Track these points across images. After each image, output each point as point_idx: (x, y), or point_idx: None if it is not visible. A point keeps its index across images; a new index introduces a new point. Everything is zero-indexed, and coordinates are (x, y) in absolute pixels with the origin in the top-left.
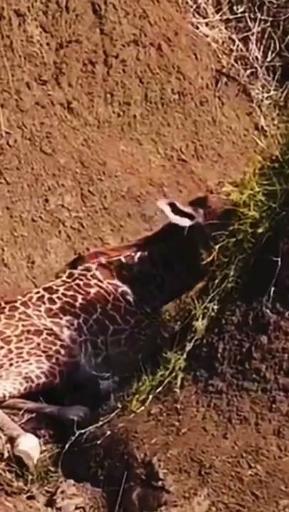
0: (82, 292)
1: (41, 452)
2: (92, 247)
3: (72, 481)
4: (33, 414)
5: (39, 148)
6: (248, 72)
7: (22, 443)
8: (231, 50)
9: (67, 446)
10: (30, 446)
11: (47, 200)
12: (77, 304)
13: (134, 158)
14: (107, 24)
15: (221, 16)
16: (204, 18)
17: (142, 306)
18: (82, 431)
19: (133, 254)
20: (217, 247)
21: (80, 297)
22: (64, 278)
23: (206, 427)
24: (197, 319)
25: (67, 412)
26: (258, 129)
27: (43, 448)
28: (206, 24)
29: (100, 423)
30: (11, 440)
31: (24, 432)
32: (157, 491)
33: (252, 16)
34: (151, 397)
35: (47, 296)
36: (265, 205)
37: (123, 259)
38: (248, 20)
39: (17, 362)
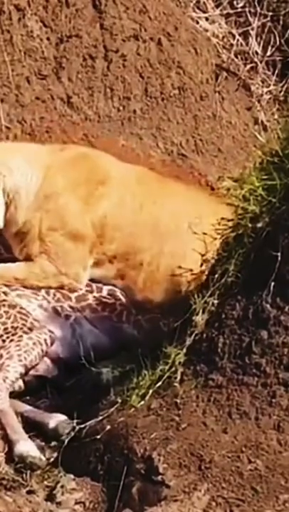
0: None
1: (42, 452)
2: None
3: (72, 476)
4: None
5: (39, 142)
6: (248, 66)
7: (18, 448)
8: (231, 45)
9: (66, 440)
10: (27, 451)
11: None
12: None
13: (134, 153)
14: (107, 19)
15: (221, 10)
16: (204, 12)
17: None
18: (82, 425)
19: None
20: (218, 241)
21: None
22: None
23: (205, 421)
24: (197, 314)
25: (48, 419)
26: (257, 123)
27: (44, 447)
28: (206, 19)
29: (100, 418)
30: (10, 443)
31: (25, 437)
32: (157, 486)
33: (252, 11)
34: (151, 391)
35: None
36: (265, 200)
37: None
38: (248, 14)
39: (8, 337)
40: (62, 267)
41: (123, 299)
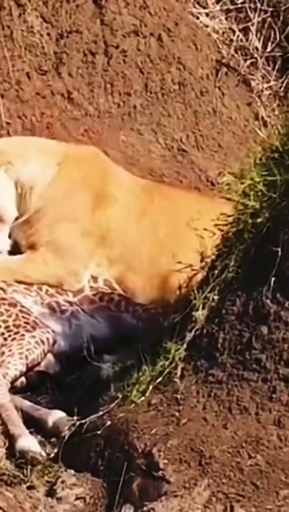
0: None
1: (42, 448)
2: None
3: (72, 471)
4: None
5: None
6: (248, 62)
7: (19, 443)
8: (231, 41)
9: (67, 436)
10: (28, 446)
11: None
12: None
13: (135, 149)
14: (108, 14)
15: (221, 6)
16: (204, 8)
17: None
18: (83, 421)
19: None
20: (218, 236)
21: None
22: None
23: (206, 417)
24: (197, 309)
25: (47, 416)
26: (258, 119)
27: (44, 443)
28: (207, 14)
29: (100, 413)
30: (12, 438)
31: (26, 432)
32: (157, 481)
33: (252, 6)
34: (151, 387)
35: None
36: (265, 196)
37: None
38: (248, 10)
39: (9, 335)
40: (66, 260)
41: (120, 289)
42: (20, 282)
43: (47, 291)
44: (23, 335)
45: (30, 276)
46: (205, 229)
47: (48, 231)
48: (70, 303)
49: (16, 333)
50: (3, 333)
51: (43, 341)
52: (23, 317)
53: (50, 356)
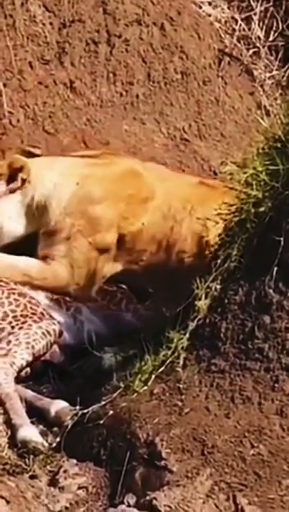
0: None
1: (45, 438)
2: None
3: (74, 461)
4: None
5: (42, 128)
6: (251, 51)
7: (20, 433)
8: (234, 30)
9: (69, 425)
10: (29, 436)
11: None
12: None
13: (137, 138)
14: (110, 4)
15: None
16: None
17: None
18: (85, 410)
19: None
20: (221, 226)
21: None
22: None
23: (208, 406)
24: (200, 299)
25: (49, 405)
26: (260, 108)
27: (47, 432)
28: (209, 3)
29: (103, 403)
30: (13, 428)
31: (27, 422)
32: (160, 471)
33: None
34: (153, 376)
35: None
36: (267, 185)
37: None
38: None
39: (17, 324)
40: (77, 276)
41: (124, 285)
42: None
43: None
44: (30, 325)
45: (37, 285)
46: (207, 218)
47: (64, 246)
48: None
49: (24, 322)
50: (10, 322)
51: (49, 332)
52: (31, 308)
53: (55, 347)
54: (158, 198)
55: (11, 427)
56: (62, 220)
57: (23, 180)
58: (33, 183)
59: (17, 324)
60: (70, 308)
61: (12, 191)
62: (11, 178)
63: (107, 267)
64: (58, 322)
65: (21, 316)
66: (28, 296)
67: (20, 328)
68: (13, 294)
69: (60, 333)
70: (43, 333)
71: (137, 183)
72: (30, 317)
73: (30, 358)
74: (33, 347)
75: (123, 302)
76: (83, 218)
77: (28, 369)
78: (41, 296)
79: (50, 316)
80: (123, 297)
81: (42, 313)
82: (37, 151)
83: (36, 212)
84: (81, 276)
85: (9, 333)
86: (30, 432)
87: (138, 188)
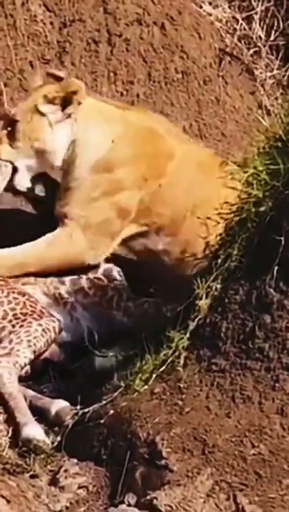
0: None
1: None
2: None
3: (75, 460)
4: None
5: None
6: (252, 51)
7: (25, 431)
8: (235, 29)
9: (70, 425)
10: (33, 434)
11: None
12: None
13: None
14: (111, 3)
15: None
16: None
17: None
18: (86, 410)
19: None
20: (221, 225)
21: None
22: None
23: (209, 406)
24: (200, 298)
25: (49, 405)
26: (261, 108)
27: (48, 431)
28: (210, 3)
29: (103, 402)
30: (18, 426)
31: (32, 420)
32: (160, 470)
33: None
34: (154, 376)
35: None
36: (268, 184)
37: None
38: None
39: (17, 322)
40: (94, 240)
41: (118, 280)
42: (30, 274)
43: (51, 282)
44: (30, 322)
45: (49, 262)
46: (208, 218)
47: (85, 205)
48: (70, 294)
49: (24, 320)
50: (11, 321)
51: (49, 329)
52: (31, 306)
53: (54, 345)
54: (176, 159)
55: (15, 425)
56: (87, 177)
57: (79, 104)
58: (78, 125)
59: (17, 322)
60: (66, 305)
61: (68, 116)
62: (66, 102)
63: (125, 232)
64: (58, 319)
65: (21, 314)
66: (26, 294)
67: (21, 326)
68: (13, 292)
69: (60, 330)
70: (43, 330)
71: (160, 144)
72: (30, 315)
73: (31, 356)
74: (34, 344)
75: (114, 299)
76: (107, 179)
77: (28, 368)
78: (39, 294)
79: (50, 313)
80: (114, 294)
81: (41, 311)
82: (61, 74)
83: (65, 165)
84: (98, 240)
85: (10, 332)
86: (34, 430)
87: (160, 148)
